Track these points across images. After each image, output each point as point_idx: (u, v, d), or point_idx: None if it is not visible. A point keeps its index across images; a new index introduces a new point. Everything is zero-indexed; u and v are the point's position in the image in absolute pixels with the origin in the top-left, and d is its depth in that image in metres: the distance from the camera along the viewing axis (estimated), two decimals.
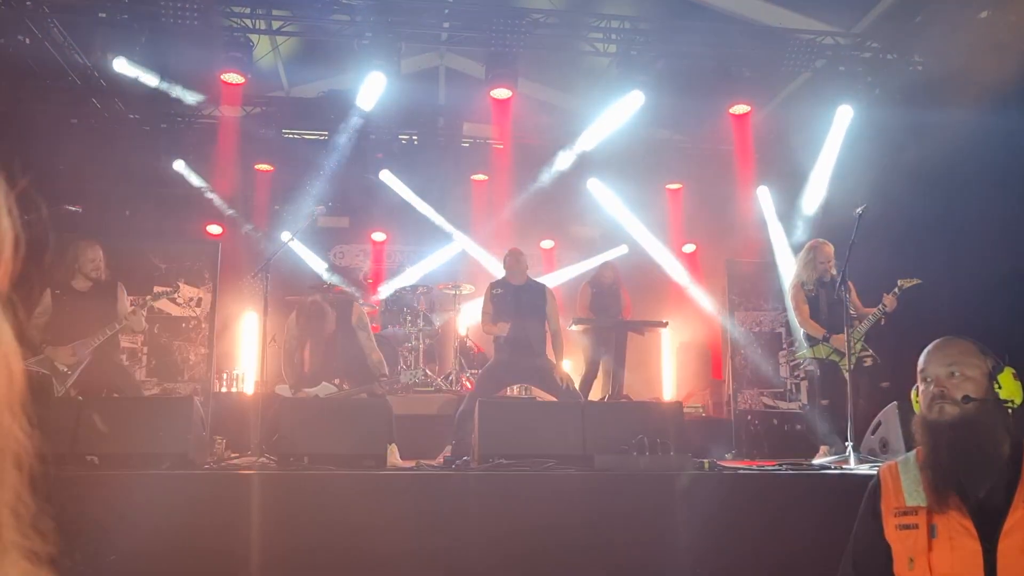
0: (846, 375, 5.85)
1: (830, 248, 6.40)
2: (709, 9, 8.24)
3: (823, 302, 6.28)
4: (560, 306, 6.88)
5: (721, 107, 8.86)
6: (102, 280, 6.16)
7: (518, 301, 6.60)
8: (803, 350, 6.50)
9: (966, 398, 2.14)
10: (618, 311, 8.30)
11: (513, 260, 6.79)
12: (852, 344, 5.98)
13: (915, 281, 6.06)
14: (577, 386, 6.99)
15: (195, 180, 9.55)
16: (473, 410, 6.02)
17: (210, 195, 9.76)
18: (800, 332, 6.59)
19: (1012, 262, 6.44)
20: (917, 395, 2.31)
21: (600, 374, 8.05)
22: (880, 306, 6.08)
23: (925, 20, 7.57)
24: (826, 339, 6.18)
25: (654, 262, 10.75)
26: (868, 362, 6.15)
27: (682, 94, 8.56)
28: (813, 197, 8.35)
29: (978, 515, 2.07)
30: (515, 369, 6.60)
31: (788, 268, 8.89)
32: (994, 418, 2.14)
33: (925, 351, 2.29)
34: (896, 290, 6.04)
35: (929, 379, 2.22)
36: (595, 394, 8.12)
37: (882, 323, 6.15)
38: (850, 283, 6.29)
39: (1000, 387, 2.17)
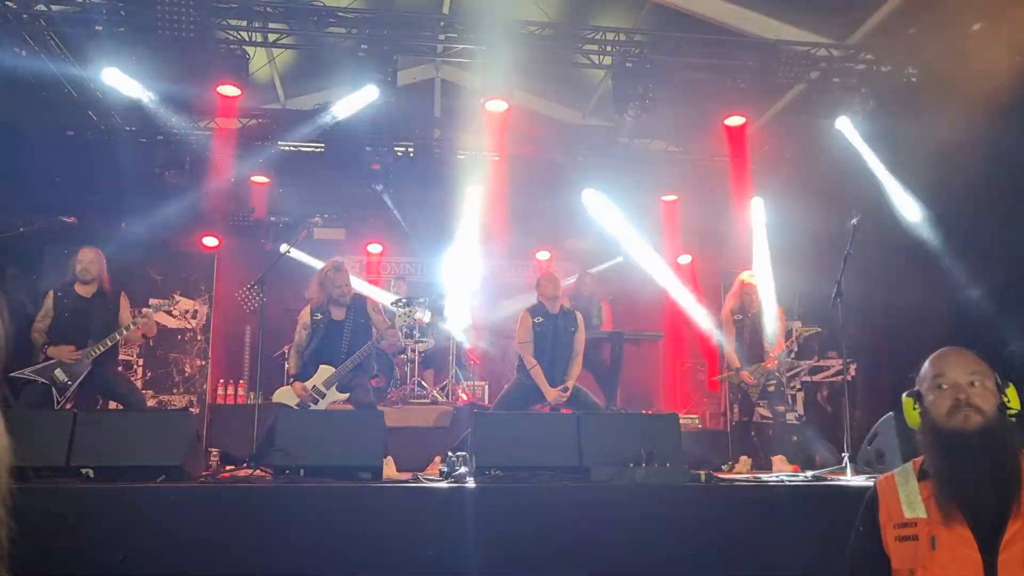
0: (753, 399, 6.94)
1: (753, 280, 7.10)
2: (703, 21, 8.28)
3: (746, 331, 6.93)
4: None
5: (716, 119, 8.89)
6: (104, 286, 6.20)
7: (555, 331, 6.49)
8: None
9: (1001, 406, 2.12)
10: (599, 322, 8.28)
11: (551, 287, 6.61)
12: (759, 378, 6.83)
13: (815, 330, 6.83)
14: None
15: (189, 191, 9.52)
16: None
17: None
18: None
19: (1005, 273, 6.46)
20: (915, 404, 2.27)
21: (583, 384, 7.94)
22: (784, 349, 6.87)
23: (918, 32, 7.60)
24: (737, 371, 6.92)
25: (650, 273, 10.75)
26: (772, 388, 6.87)
27: (677, 106, 8.58)
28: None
29: (978, 526, 2.06)
30: (540, 395, 6.39)
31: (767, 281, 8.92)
32: (1012, 430, 2.13)
33: (937, 358, 2.24)
34: (795, 337, 6.82)
35: (946, 386, 2.17)
36: None
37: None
38: (779, 308, 7.04)
39: (1008, 400, 2.16)
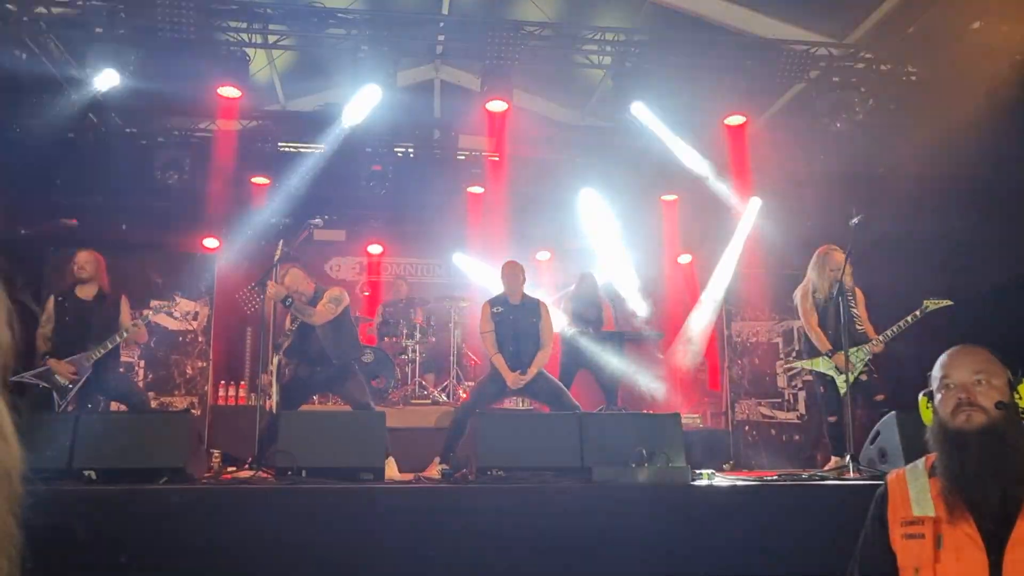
0: (842, 390, 5.82)
1: (840, 256, 6.06)
2: (703, 21, 8.28)
3: (831, 314, 6.08)
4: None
5: (716, 118, 8.89)
6: (104, 289, 6.20)
7: (516, 320, 6.48)
8: (804, 359, 6.36)
9: (1000, 404, 2.10)
10: (599, 322, 8.26)
11: (510, 275, 6.60)
12: (855, 363, 5.90)
13: (945, 303, 5.77)
14: None
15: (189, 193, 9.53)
16: (464, 421, 6.03)
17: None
18: (805, 339, 6.42)
19: (1009, 272, 6.45)
20: (928, 402, 2.26)
21: (583, 385, 7.94)
22: (898, 324, 5.89)
23: (918, 31, 7.61)
24: (829, 355, 6.04)
25: (650, 273, 10.74)
26: (864, 377, 6.02)
27: (677, 105, 8.58)
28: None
29: (985, 525, 2.05)
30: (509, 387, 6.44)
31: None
32: (1020, 427, 2.12)
33: (945, 358, 2.23)
34: (918, 312, 5.81)
35: (952, 385, 2.17)
36: (586, 405, 8.06)
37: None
38: (859, 291, 6.23)
39: (1021, 397, 2.15)
